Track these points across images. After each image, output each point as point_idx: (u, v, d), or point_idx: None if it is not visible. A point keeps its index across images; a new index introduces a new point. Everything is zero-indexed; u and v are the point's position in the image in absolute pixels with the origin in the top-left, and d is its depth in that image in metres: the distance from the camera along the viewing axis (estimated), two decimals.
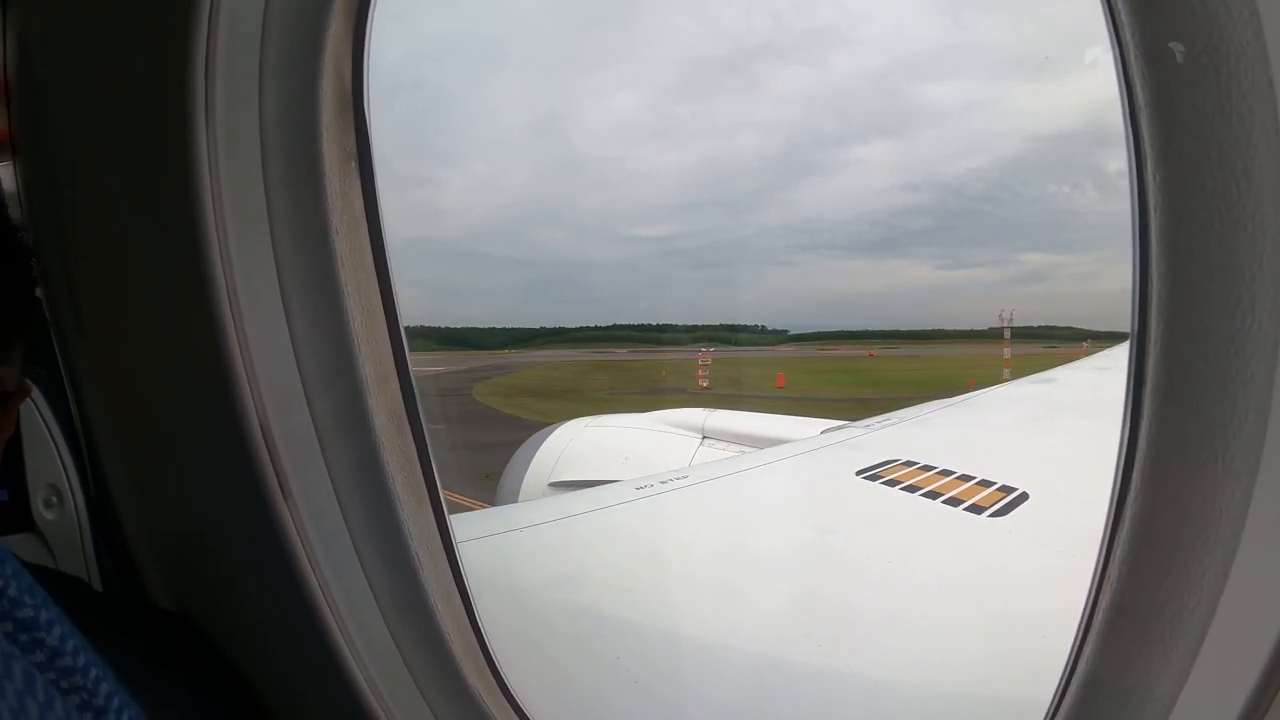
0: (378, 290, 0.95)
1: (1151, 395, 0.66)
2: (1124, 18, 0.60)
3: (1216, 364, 0.63)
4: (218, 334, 0.86)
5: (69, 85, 0.97)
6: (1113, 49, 0.62)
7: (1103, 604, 0.73)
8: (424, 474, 1.01)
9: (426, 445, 1.01)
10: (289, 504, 0.91)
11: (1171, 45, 0.58)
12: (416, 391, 0.99)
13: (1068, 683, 0.78)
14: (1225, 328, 0.62)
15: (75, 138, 0.99)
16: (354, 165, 0.91)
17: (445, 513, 1.03)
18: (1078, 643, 0.77)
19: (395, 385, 0.98)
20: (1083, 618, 0.76)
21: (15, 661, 0.52)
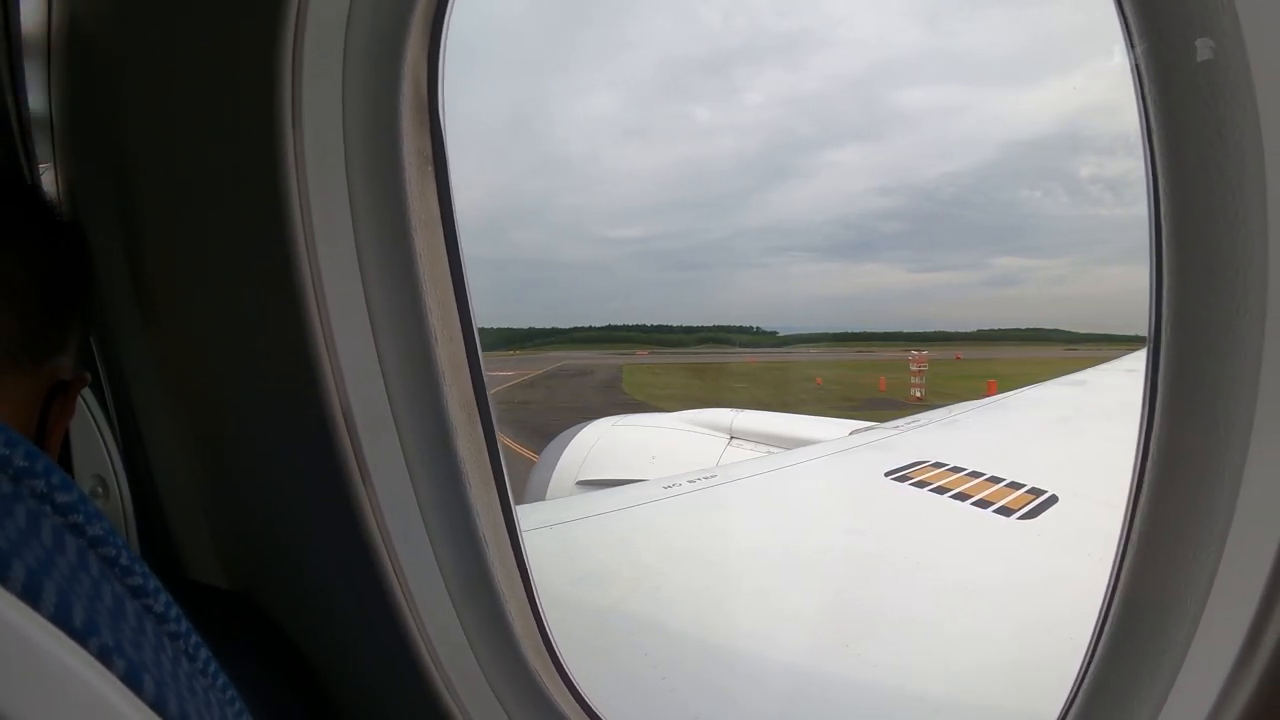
0: (452, 286, 0.99)
1: (1166, 357, 0.76)
2: (1140, 50, 0.68)
3: (1217, 344, 0.72)
4: (302, 323, 0.90)
5: (138, 79, 1.01)
6: (1132, 75, 0.70)
7: (1136, 528, 0.81)
8: (492, 460, 1.05)
9: (494, 432, 1.05)
10: (366, 485, 0.95)
11: (1198, 42, 0.65)
12: (486, 381, 1.04)
13: (1110, 603, 0.85)
14: (1224, 318, 0.71)
15: (144, 133, 1.03)
16: (430, 169, 0.96)
17: (510, 498, 1.07)
18: (1116, 566, 0.84)
19: (467, 375, 1.02)
20: (1119, 547, 0.83)
21: (146, 621, 0.56)
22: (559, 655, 1.14)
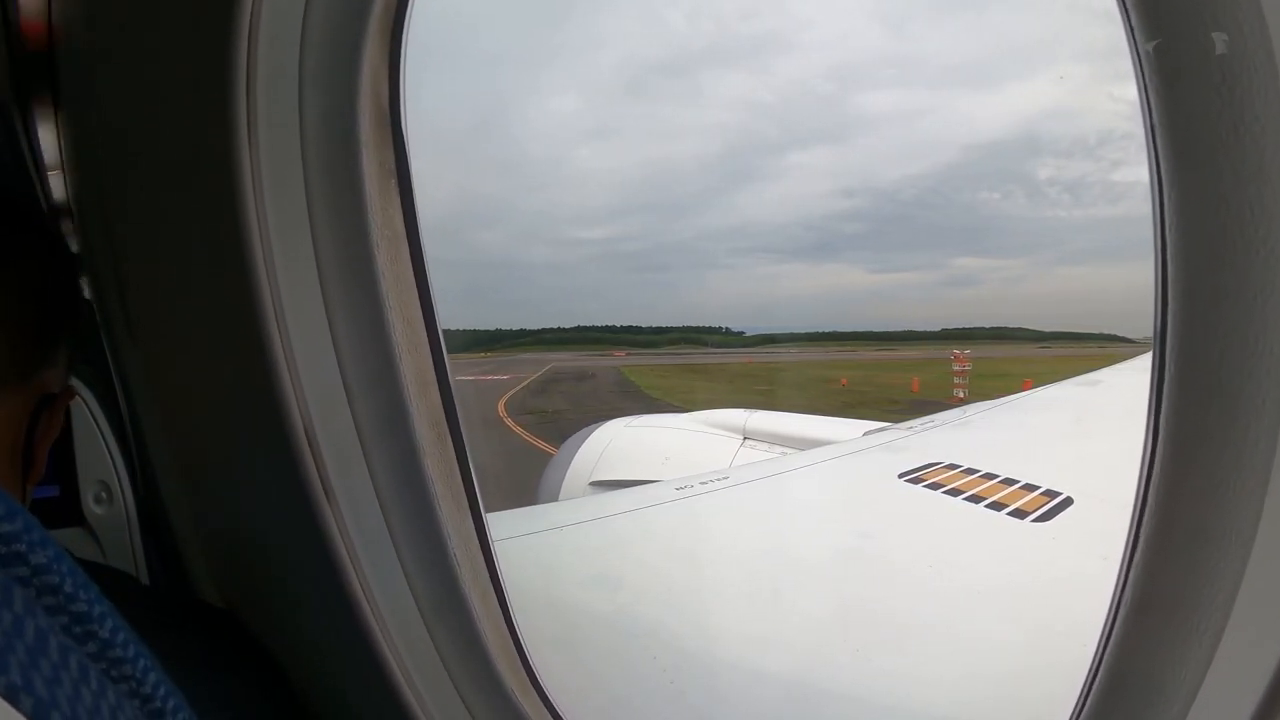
0: (418, 303, 0.98)
1: (1170, 395, 0.72)
2: (1146, 45, 0.64)
3: (1234, 368, 0.68)
4: (263, 340, 0.89)
5: (115, 98, 1.00)
6: (1135, 71, 0.66)
7: (1128, 596, 0.77)
8: (463, 479, 1.04)
9: (465, 451, 1.03)
10: (332, 505, 0.94)
11: (1215, 35, 0.61)
12: (456, 399, 1.02)
13: (1095, 675, 0.81)
14: (1238, 324, 0.67)
15: (122, 149, 1.02)
16: (394, 183, 0.94)
17: (484, 516, 1.06)
18: (1104, 636, 0.80)
19: (436, 393, 1.01)
20: (1110, 611, 0.79)
21: (72, 653, 0.56)
22: (534, 670, 1.14)
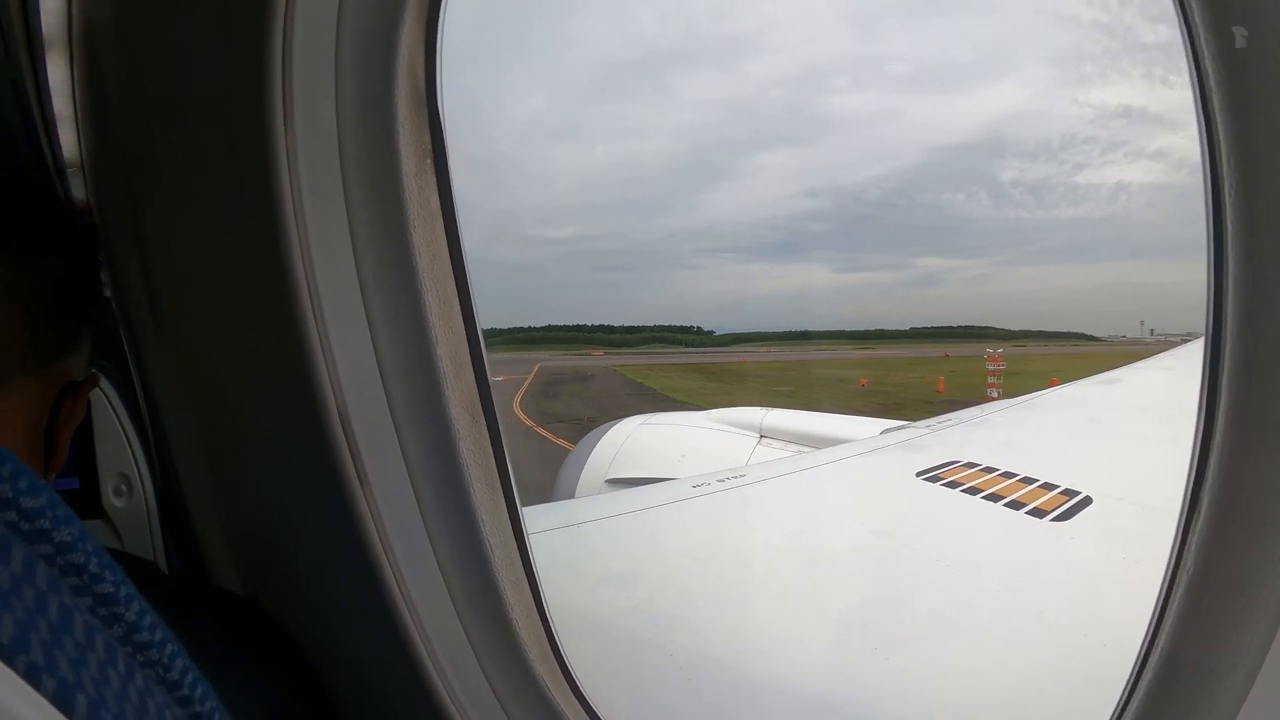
0: (454, 284, 0.97)
1: (1229, 380, 0.70)
2: (1205, 42, 0.62)
3: None
4: (297, 324, 0.88)
5: (144, 82, 1.00)
6: (1190, 70, 0.64)
7: (1181, 581, 0.75)
8: (497, 463, 1.02)
9: (500, 435, 1.02)
10: (365, 490, 0.93)
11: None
12: (490, 382, 1.01)
13: (1145, 660, 0.80)
14: None
15: (150, 134, 1.01)
16: (429, 162, 0.93)
17: (517, 502, 1.05)
18: (1154, 621, 0.78)
19: (470, 376, 1.00)
20: (1160, 595, 0.77)
21: (98, 634, 0.54)
22: (566, 661, 1.12)
